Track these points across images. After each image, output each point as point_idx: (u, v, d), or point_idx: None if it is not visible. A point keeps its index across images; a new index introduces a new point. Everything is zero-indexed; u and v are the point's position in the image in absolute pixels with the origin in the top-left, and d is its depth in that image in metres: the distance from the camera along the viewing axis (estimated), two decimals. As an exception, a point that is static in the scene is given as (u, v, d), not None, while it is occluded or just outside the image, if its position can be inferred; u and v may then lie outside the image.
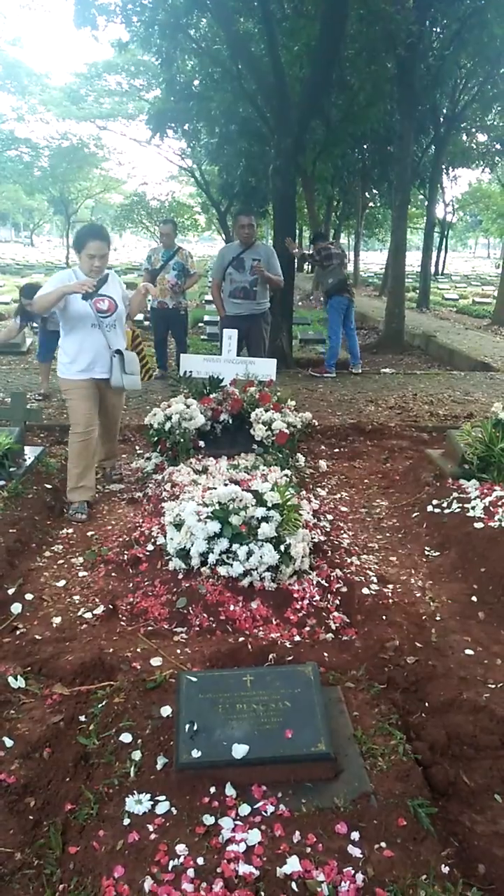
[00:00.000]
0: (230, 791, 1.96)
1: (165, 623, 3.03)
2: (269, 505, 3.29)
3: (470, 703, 2.46)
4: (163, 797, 1.95)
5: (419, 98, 11.87)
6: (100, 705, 2.36)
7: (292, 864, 1.71)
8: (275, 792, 1.97)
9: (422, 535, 4.08)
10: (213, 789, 1.97)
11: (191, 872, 1.70)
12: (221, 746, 2.04)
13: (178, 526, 3.31)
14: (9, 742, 2.22)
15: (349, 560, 3.59)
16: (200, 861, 1.74)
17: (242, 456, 4.77)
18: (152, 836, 1.83)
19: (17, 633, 2.98)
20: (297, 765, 2.04)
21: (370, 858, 1.76)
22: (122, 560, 3.58)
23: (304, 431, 5.16)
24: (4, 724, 2.32)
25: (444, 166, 19.12)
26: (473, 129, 18.24)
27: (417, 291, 18.85)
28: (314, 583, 3.26)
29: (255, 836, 1.80)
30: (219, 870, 1.71)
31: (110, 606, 3.15)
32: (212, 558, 3.18)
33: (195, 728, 2.09)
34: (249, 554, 3.14)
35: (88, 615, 3.11)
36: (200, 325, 13.73)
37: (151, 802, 1.93)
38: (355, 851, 1.77)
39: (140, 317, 11.53)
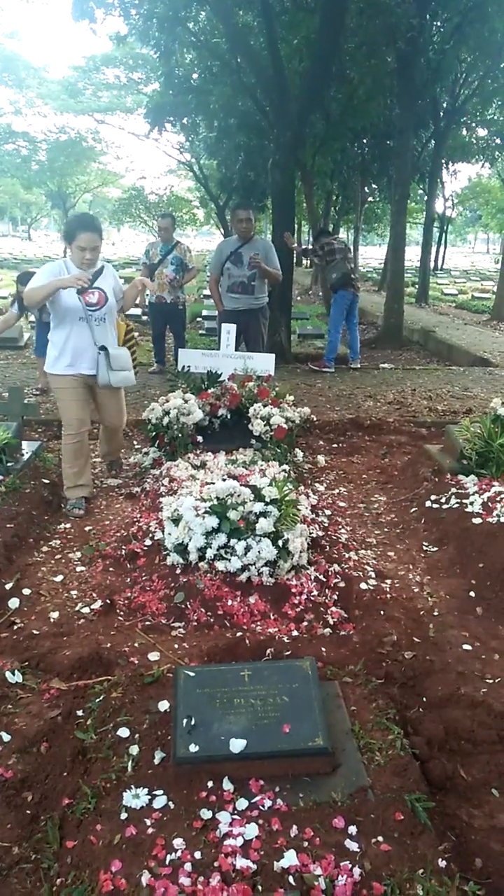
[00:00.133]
0: (228, 785, 1.96)
1: (163, 618, 3.03)
2: (268, 500, 3.29)
3: (467, 698, 2.47)
4: (160, 791, 1.95)
5: (419, 92, 11.82)
6: (97, 700, 2.36)
7: (290, 858, 1.72)
8: (272, 786, 1.98)
9: (420, 531, 4.08)
10: (210, 784, 1.97)
11: (188, 866, 1.71)
12: (219, 741, 2.04)
13: (176, 521, 3.31)
14: (6, 737, 2.22)
15: (347, 555, 3.59)
16: (198, 855, 1.74)
17: (241, 451, 4.77)
18: (150, 831, 1.83)
19: (15, 627, 2.98)
20: (294, 759, 2.04)
21: (367, 852, 1.76)
22: (119, 555, 3.58)
23: (303, 426, 5.16)
24: (2, 719, 2.32)
25: (443, 161, 19.02)
26: (473, 124, 18.15)
27: (416, 286, 18.81)
28: (312, 578, 3.26)
29: (252, 831, 1.81)
30: (216, 864, 1.71)
31: (108, 601, 3.15)
32: (210, 553, 3.18)
33: (193, 723, 2.09)
34: (247, 549, 3.14)
35: (86, 610, 3.12)
36: (199, 319, 13.71)
37: (149, 797, 1.93)
38: (353, 845, 1.78)
39: (138, 311, 11.53)
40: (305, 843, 1.78)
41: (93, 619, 3.05)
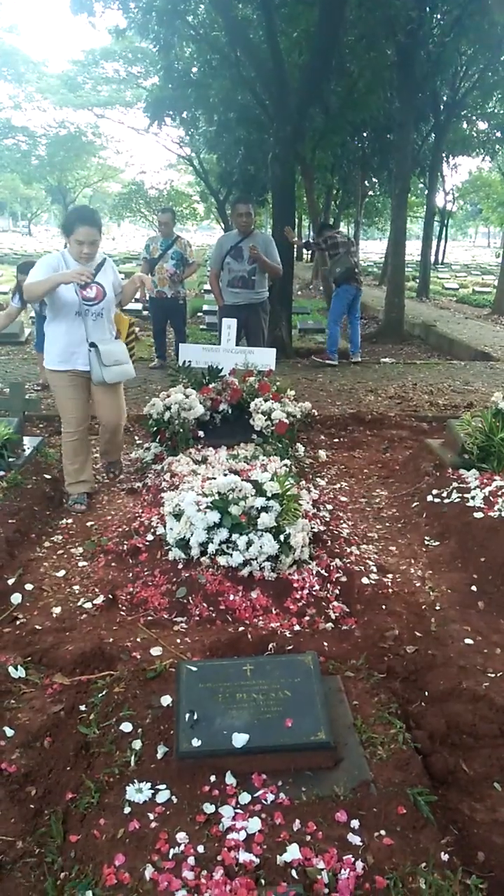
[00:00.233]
0: (230, 780, 1.97)
1: (165, 613, 3.04)
2: (269, 495, 3.29)
3: (469, 693, 2.47)
4: (163, 786, 1.96)
5: (419, 85, 11.78)
6: (100, 695, 2.37)
7: (292, 852, 1.72)
8: (275, 780, 1.98)
9: (421, 525, 4.08)
10: (213, 778, 1.97)
11: (191, 860, 1.71)
12: (221, 735, 2.05)
13: (178, 516, 3.31)
14: (9, 732, 2.23)
15: (349, 550, 3.59)
16: (201, 849, 1.75)
17: (242, 446, 4.77)
18: (153, 825, 1.84)
19: (17, 623, 2.98)
20: (296, 753, 2.04)
21: (370, 846, 1.77)
22: (121, 550, 3.58)
23: (304, 421, 5.15)
24: (5, 714, 2.33)
25: (444, 154, 18.97)
26: (474, 117, 18.09)
27: (417, 281, 18.78)
28: (314, 572, 3.26)
29: (255, 825, 1.81)
30: (219, 857, 1.72)
31: (110, 596, 3.15)
32: (211, 548, 3.18)
33: (195, 717, 2.10)
34: (249, 544, 3.14)
35: (88, 605, 3.12)
36: (199, 314, 13.69)
37: (152, 791, 1.94)
38: (355, 839, 1.78)
39: (139, 306, 11.50)
40: (308, 837, 1.79)
41: (95, 614, 3.05)
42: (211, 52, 11.80)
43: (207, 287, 13.27)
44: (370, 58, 11.17)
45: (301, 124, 9.54)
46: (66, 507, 4.36)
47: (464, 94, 15.17)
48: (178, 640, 2.77)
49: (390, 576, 3.42)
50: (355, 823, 1.83)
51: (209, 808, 1.88)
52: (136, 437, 5.77)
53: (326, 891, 1.63)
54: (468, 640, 2.85)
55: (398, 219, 11.96)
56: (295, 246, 9.52)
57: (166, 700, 2.27)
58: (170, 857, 1.73)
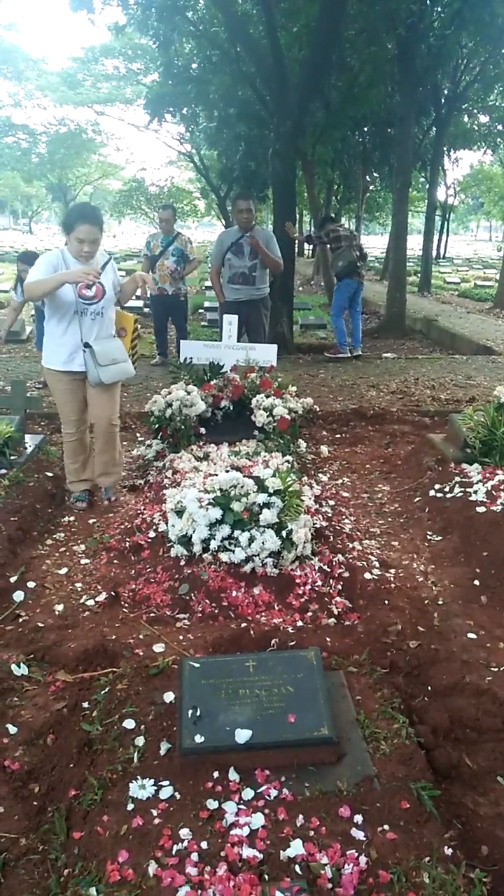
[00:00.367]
0: (233, 776, 1.97)
1: (168, 609, 3.03)
2: (271, 491, 3.28)
3: (472, 687, 2.47)
4: (166, 782, 1.96)
5: (420, 79, 11.72)
6: (103, 692, 2.37)
7: (296, 848, 1.72)
8: (278, 776, 1.98)
9: (424, 520, 4.07)
10: (216, 774, 1.97)
11: (195, 856, 1.71)
12: (224, 731, 2.05)
13: (180, 513, 3.31)
14: (13, 729, 2.23)
15: (351, 545, 3.59)
16: (204, 845, 1.75)
17: (244, 442, 4.76)
18: (156, 821, 1.84)
19: (20, 620, 2.99)
20: (300, 749, 2.04)
21: (373, 841, 1.77)
22: (123, 547, 3.58)
23: (306, 417, 5.15)
24: (8, 712, 2.33)
25: (445, 148, 18.88)
26: (475, 110, 18.02)
27: (419, 275, 18.73)
28: (316, 568, 3.26)
29: (258, 820, 1.81)
30: (223, 853, 1.72)
31: (112, 593, 3.15)
32: (214, 545, 3.18)
33: (198, 713, 2.10)
34: (251, 540, 3.14)
35: (91, 602, 3.12)
36: (200, 311, 13.67)
37: (155, 787, 1.94)
38: (358, 834, 1.78)
39: (140, 303, 11.50)
40: (311, 833, 1.79)
41: (97, 611, 3.05)
42: (211, 47, 11.77)
43: (208, 284, 13.23)
44: (371, 52, 11.13)
45: (301, 119, 9.51)
46: (67, 505, 4.37)
47: (465, 88, 15.10)
48: (181, 637, 2.77)
49: (393, 571, 3.42)
50: (359, 818, 1.83)
51: (212, 804, 1.88)
52: (138, 435, 5.77)
53: (330, 886, 1.63)
54: (471, 635, 2.85)
55: (399, 213, 11.93)
56: (296, 241, 9.49)
57: (169, 696, 2.28)
58: (173, 853, 1.73)
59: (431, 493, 4.21)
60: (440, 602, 3.15)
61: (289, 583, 3.14)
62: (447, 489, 4.12)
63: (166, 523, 3.46)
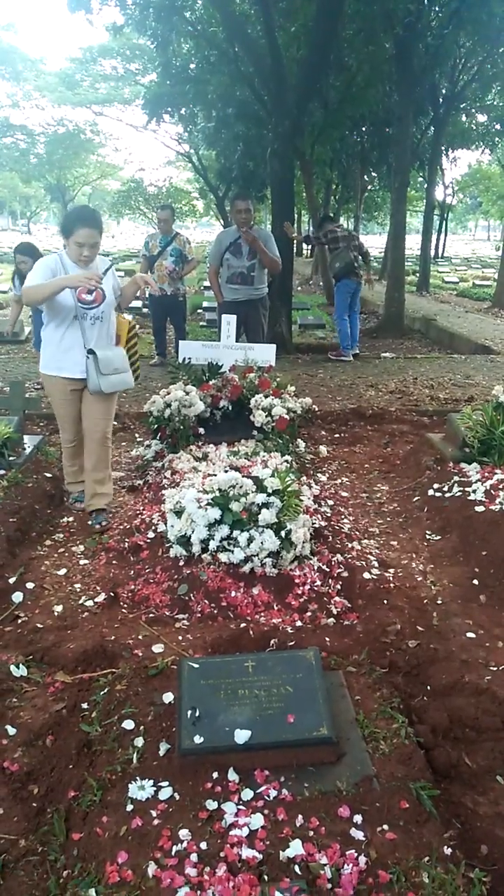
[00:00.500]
0: (233, 776, 1.96)
1: (167, 610, 3.03)
2: (270, 491, 3.28)
3: (472, 686, 2.47)
4: (165, 783, 1.96)
5: (418, 78, 11.72)
6: (102, 692, 2.37)
7: (295, 848, 1.72)
8: (277, 776, 1.98)
9: (423, 520, 4.07)
10: (215, 774, 1.97)
11: (194, 857, 1.71)
12: (224, 732, 2.04)
13: (179, 513, 3.31)
14: (12, 730, 2.23)
15: (350, 545, 3.59)
16: (204, 846, 1.75)
17: (242, 442, 4.76)
18: (155, 822, 1.83)
19: (19, 621, 2.99)
20: (299, 749, 2.04)
21: (373, 841, 1.76)
22: (122, 548, 3.58)
23: (305, 417, 5.15)
24: (7, 713, 2.33)
25: (443, 148, 18.89)
26: (473, 110, 18.01)
27: (417, 275, 18.74)
28: (315, 568, 3.26)
29: (257, 821, 1.81)
30: (222, 854, 1.71)
31: (111, 594, 3.15)
32: (213, 545, 3.18)
33: (197, 714, 2.10)
34: (250, 540, 3.14)
35: (90, 603, 3.12)
36: (199, 311, 13.67)
37: (154, 788, 1.94)
38: (358, 834, 1.78)
39: (138, 304, 11.50)
40: (311, 833, 1.79)
41: (97, 611, 3.05)
42: (209, 47, 11.77)
43: (207, 284, 13.23)
44: (368, 52, 11.12)
45: (300, 119, 9.50)
46: (66, 506, 4.36)
47: (463, 87, 15.11)
48: (180, 637, 2.77)
49: (392, 570, 3.42)
50: (358, 818, 1.83)
51: (212, 804, 1.88)
52: (137, 435, 5.77)
53: (329, 886, 1.63)
54: (470, 634, 2.85)
55: (398, 213, 11.93)
56: (294, 241, 9.49)
57: (168, 697, 2.27)
58: (172, 854, 1.73)
59: (430, 492, 4.21)
60: (439, 601, 3.15)
61: (288, 583, 3.14)
62: (446, 489, 4.12)
63: (165, 524, 3.46)
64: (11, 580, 3.32)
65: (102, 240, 4.00)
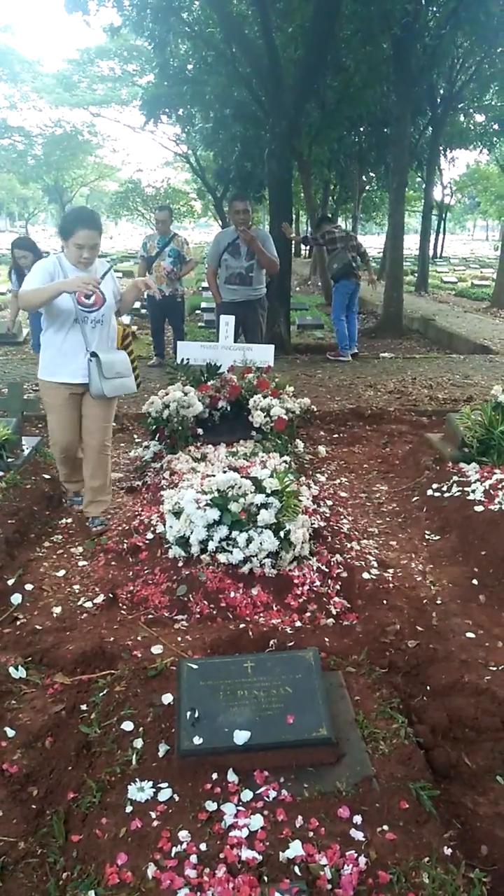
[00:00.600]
0: (232, 777, 1.96)
1: (166, 611, 3.03)
2: (269, 491, 3.28)
3: (471, 686, 2.46)
4: (165, 784, 1.95)
5: (416, 79, 11.73)
6: (101, 694, 2.36)
7: (295, 849, 1.71)
8: (277, 777, 1.98)
9: (422, 519, 4.07)
10: (215, 776, 1.97)
11: (194, 858, 1.71)
12: (223, 733, 2.04)
13: (178, 514, 3.30)
14: (11, 732, 2.22)
15: (349, 545, 3.59)
16: (203, 847, 1.74)
17: (241, 443, 4.76)
18: (155, 823, 1.83)
19: (18, 623, 2.98)
20: (298, 750, 2.04)
21: (373, 842, 1.76)
22: (121, 549, 3.58)
23: (303, 417, 5.14)
24: (6, 715, 2.33)
25: (441, 148, 18.91)
26: (471, 110, 18.03)
27: (416, 275, 18.74)
28: (314, 568, 3.26)
29: (257, 822, 1.81)
30: (222, 855, 1.71)
31: (110, 595, 3.15)
32: (211, 545, 3.17)
33: (196, 715, 2.09)
34: (249, 541, 3.14)
35: (89, 604, 3.11)
36: (197, 312, 13.67)
37: (154, 790, 1.93)
38: (358, 835, 1.78)
39: (137, 304, 11.49)
40: (311, 834, 1.78)
41: (95, 613, 3.05)
42: (206, 48, 11.78)
43: (205, 284, 13.23)
44: (366, 52, 11.14)
45: (297, 120, 9.51)
46: (65, 507, 4.36)
47: (460, 87, 15.12)
48: (179, 638, 2.77)
49: (391, 570, 3.42)
50: (358, 819, 1.83)
51: (211, 805, 1.88)
52: (136, 436, 5.77)
53: (329, 887, 1.63)
54: (469, 634, 2.85)
55: (396, 213, 11.94)
56: (293, 241, 9.51)
57: (167, 698, 2.27)
58: (172, 855, 1.73)
59: (429, 492, 4.21)
60: (438, 601, 3.15)
61: (287, 583, 3.14)
62: (445, 488, 4.12)
63: (164, 525, 3.45)
64: (10, 582, 3.32)
65: (101, 240, 3.96)
